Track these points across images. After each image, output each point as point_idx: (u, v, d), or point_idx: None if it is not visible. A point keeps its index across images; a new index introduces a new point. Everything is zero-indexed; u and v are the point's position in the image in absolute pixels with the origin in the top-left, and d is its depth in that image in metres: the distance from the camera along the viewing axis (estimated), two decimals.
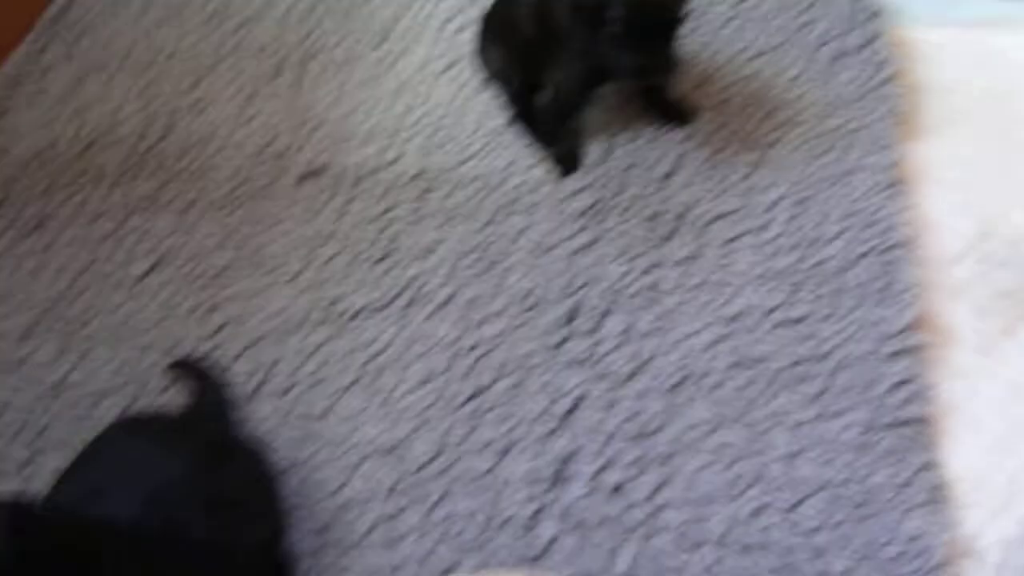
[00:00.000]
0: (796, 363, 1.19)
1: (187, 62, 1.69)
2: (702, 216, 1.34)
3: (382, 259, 1.36)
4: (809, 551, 1.06)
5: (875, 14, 1.55)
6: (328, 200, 1.45)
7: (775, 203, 1.34)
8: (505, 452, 1.16)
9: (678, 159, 1.40)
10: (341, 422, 1.22)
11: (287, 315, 1.32)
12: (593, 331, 1.25)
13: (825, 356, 1.19)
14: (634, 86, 1.45)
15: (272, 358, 1.28)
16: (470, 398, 1.21)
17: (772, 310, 1.24)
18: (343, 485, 1.17)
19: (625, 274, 1.29)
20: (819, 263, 1.28)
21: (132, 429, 1.08)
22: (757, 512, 1.09)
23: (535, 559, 1.09)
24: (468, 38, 1.60)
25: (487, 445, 1.17)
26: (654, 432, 1.16)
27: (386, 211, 1.42)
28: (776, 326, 1.23)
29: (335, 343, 1.29)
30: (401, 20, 1.70)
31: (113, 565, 0.86)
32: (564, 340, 1.24)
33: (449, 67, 1.60)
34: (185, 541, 0.95)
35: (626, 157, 1.41)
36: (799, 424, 1.14)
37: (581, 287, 1.29)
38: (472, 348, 1.26)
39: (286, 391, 1.25)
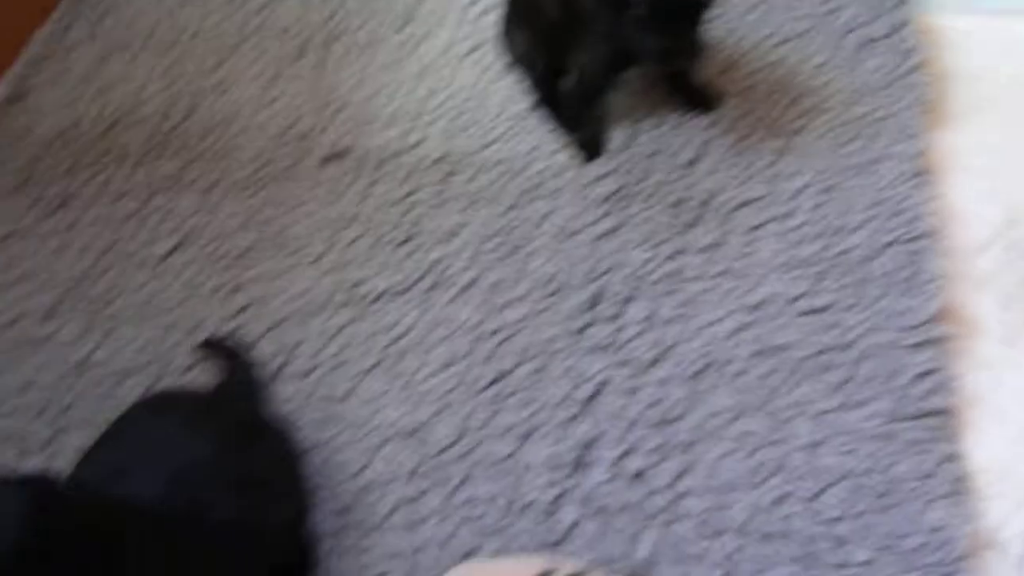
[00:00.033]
0: (819, 352, 1.19)
1: (210, 42, 1.69)
2: (726, 203, 1.33)
3: (405, 242, 1.36)
4: (830, 540, 1.06)
5: (902, 1, 1.53)
6: (351, 182, 1.45)
7: (800, 191, 1.33)
8: (527, 437, 1.16)
9: (703, 145, 1.40)
10: (363, 404, 1.22)
11: (310, 297, 1.33)
12: (616, 317, 1.25)
13: (849, 345, 1.19)
14: (659, 71, 1.44)
15: (295, 339, 1.28)
16: (492, 382, 1.21)
17: (796, 298, 1.23)
18: (364, 467, 1.17)
19: (648, 260, 1.29)
20: (844, 252, 1.27)
21: (158, 407, 1.08)
22: (779, 501, 1.09)
23: (556, 544, 1.09)
24: (492, 21, 1.59)
25: (509, 429, 1.17)
26: (676, 419, 1.16)
27: (409, 194, 1.42)
28: (800, 315, 1.22)
29: (357, 325, 1.29)
30: (425, 3, 1.69)
31: (136, 545, 0.86)
32: (587, 326, 1.24)
33: (473, 50, 1.60)
34: (209, 521, 0.95)
35: (650, 143, 1.41)
36: (822, 413, 1.14)
37: (604, 273, 1.29)
38: (494, 332, 1.26)
39: (308, 373, 1.26)
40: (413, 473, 1.16)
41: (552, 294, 1.28)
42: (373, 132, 1.51)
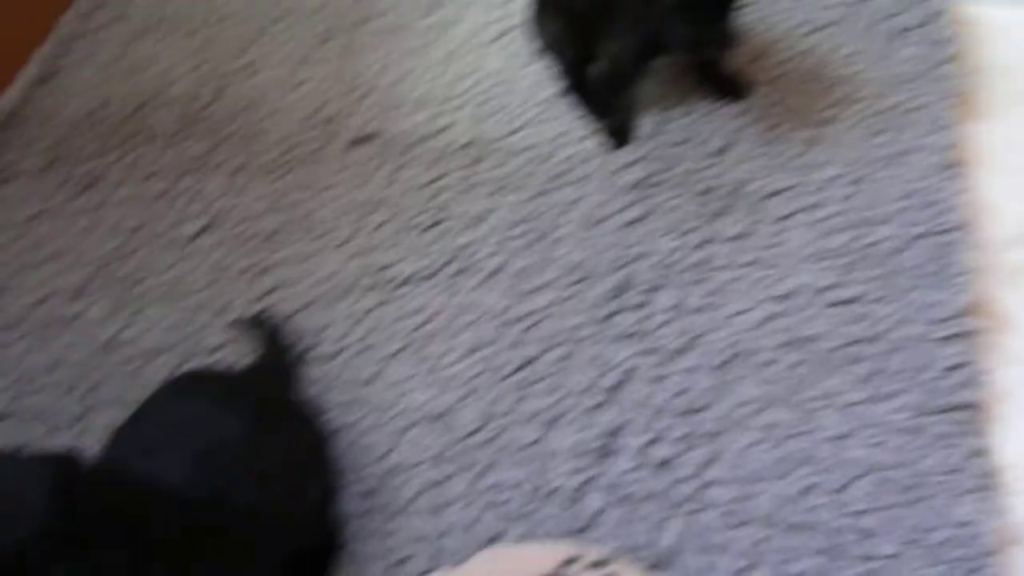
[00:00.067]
0: (848, 344, 1.18)
1: (239, 25, 1.69)
2: (756, 192, 1.33)
3: (431, 227, 1.36)
4: (856, 533, 1.05)
5: None
6: (378, 167, 1.45)
7: (830, 181, 1.32)
8: (552, 423, 1.16)
9: (732, 134, 1.39)
10: (389, 388, 1.22)
11: (336, 280, 1.33)
12: (643, 305, 1.24)
13: (878, 337, 1.18)
14: (689, 59, 1.43)
15: (321, 322, 1.29)
16: (518, 368, 1.21)
17: (825, 289, 1.23)
18: (390, 450, 1.17)
19: (676, 249, 1.29)
20: (873, 243, 1.26)
21: (188, 388, 1.08)
22: (805, 492, 1.08)
23: (580, 531, 1.09)
24: (520, 7, 1.58)
25: (534, 416, 1.17)
26: (702, 408, 1.15)
27: (436, 179, 1.42)
28: (828, 305, 1.21)
29: (384, 309, 1.29)
30: None
31: (162, 526, 0.86)
32: (613, 313, 1.24)
33: (501, 35, 1.59)
34: (236, 503, 0.95)
35: (680, 131, 1.40)
36: (850, 405, 1.14)
37: (631, 261, 1.28)
38: (521, 319, 1.26)
39: (334, 356, 1.26)
40: (439, 457, 1.16)
41: (579, 281, 1.28)
42: (400, 117, 1.51)
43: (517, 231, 1.34)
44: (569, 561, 0.83)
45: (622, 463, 1.13)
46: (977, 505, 1.06)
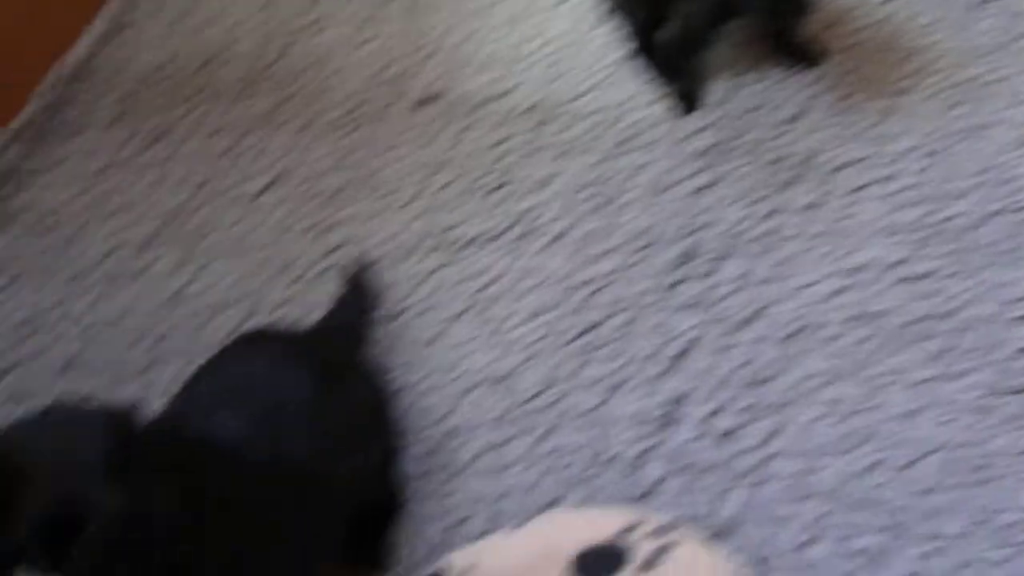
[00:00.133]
0: (918, 320, 1.16)
1: None
2: (827, 163, 1.30)
3: (496, 189, 1.36)
4: (921, 512, 1.04)
5: None
6: (443, 127, 1.44)
7: (904, 153, 1.29)
8: (614, 390, 1.16)
9: (805, 102, 1.36)
10: (450, 349, 1.23)
11: (400, 240, 1.33)
12: (709, 274, 1.23)
13: (949, 315, 1.16)
14: (762, 24, 1.40)
15: (384, 282, 1.29)
16: (581, 333, 1.21)
17: (896, 264, 1.20)
18: (450, 412, 1.18)
19: (744, 218, 1.27)
20: (948, 219, 1.23)
21: (254, 345, 1.08)
22: (870, 468, 1.07)
23: (640, 498, 1.09)
24: None
25: (597, 381, 1.17)
26: (767, 380, 1.14)
27: (501, 141, 1.41)
28: (899, 281, 1.19)
29: (447, 271, 1.29)
30: None
31: (217, 485, 0.85)
32: (679, 282, 1.23)
33: None
34: (297, 463, 0.94)
35: (751, 97, 1.38)
36: (918, 383, 1.11)
37: (698, 229, 1.27)
38: (584, 284, 1.25)
39: (397, 316, 1.27)
40: (499, 420, 1.16)
41: (644, 247, 1.27)
42: (465, 77, 1.50)
43: (582, 196, 1.33)
44: (630, 528, 0.82)
45: (684, 432, 1.12)
46: None
